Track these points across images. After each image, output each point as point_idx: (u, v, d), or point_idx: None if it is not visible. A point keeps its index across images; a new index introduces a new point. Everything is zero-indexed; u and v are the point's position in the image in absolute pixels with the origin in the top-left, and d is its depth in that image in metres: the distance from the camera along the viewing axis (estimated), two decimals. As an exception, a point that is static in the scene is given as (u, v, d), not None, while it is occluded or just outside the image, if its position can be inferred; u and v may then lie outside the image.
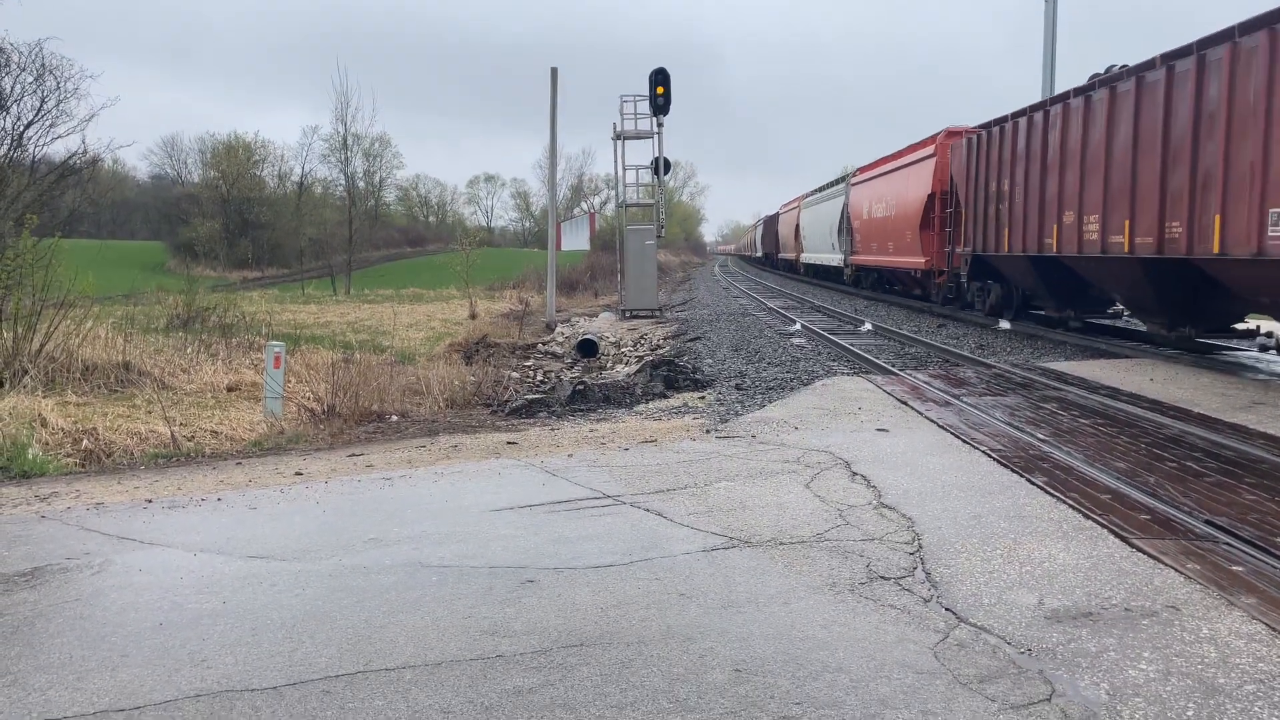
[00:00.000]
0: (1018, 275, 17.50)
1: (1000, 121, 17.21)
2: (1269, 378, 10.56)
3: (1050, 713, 3.11)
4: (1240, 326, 13.04)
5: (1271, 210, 9.80)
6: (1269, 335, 12.52)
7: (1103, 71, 13.63)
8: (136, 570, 4.89)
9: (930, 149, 21.83)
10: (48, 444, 9.08)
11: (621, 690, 3.35)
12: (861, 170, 30.15)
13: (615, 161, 26.40)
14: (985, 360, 12.86)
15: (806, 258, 40.97)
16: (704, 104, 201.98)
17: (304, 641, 3.88)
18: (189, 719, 3.25)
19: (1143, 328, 14.46)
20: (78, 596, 4.51)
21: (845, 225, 31.03)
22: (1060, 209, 14.53)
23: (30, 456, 8.23)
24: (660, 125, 25.00)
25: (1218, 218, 10.64)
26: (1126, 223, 12.53)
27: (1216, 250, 10.65)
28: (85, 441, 9.29)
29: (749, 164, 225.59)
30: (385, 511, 5.90)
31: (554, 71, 25.17)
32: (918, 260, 22.64)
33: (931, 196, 21.45)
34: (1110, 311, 16.45)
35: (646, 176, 27.07)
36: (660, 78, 24.45)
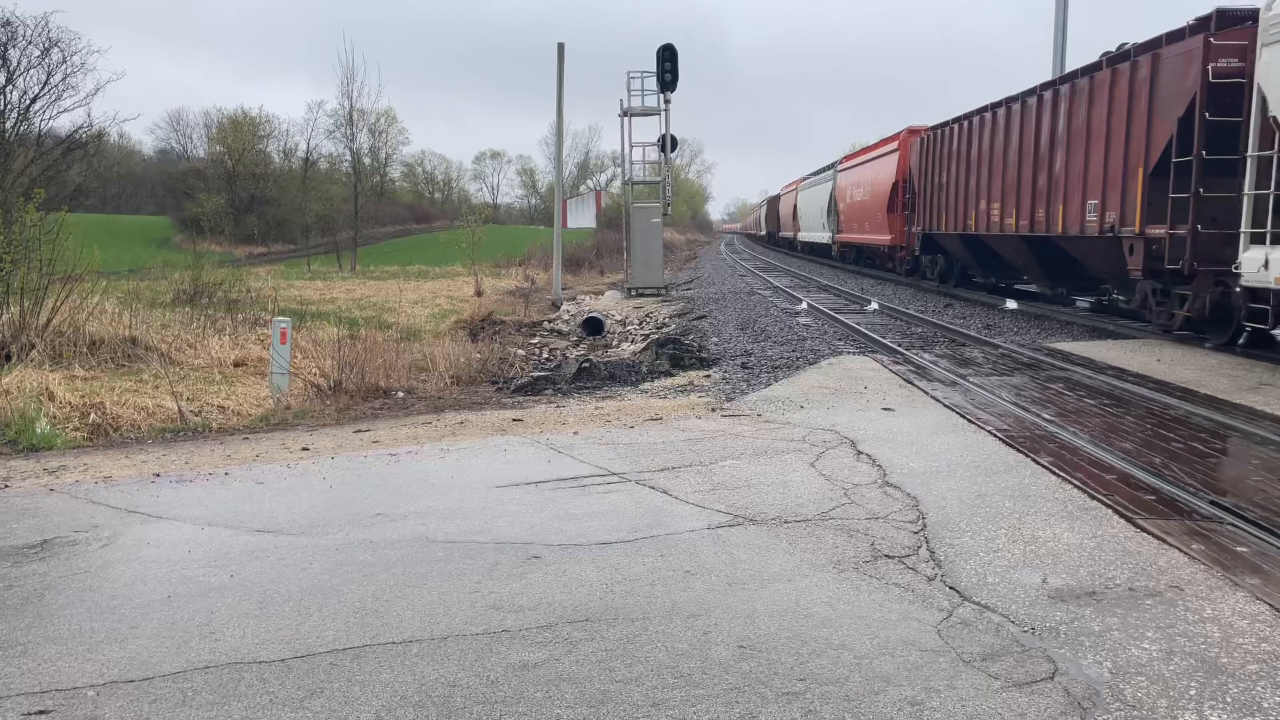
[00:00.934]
0: (955, 250, 21.86)
1: (944, 125, 21.22)
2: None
3: (1053, 691, 3.12)
4: (1105, 287, 16.52)
5: (1088, 202, 13.78)
6: (1119, 295, 15.64)
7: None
8: (145, 543, 4.93)
9: (895, 144, 25.74)
10: (55, 418, 9.11)
11: (626, 665, 3.38)
12: (846, 158, 34.00)
13: (622, 138, 26.28)
14: (992, 340, 12.84)
15: (802, 236, 45.00)
16: (711, 80, 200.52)
17: (311, 615, 3.91)
18: (198, 690, 3.28)
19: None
20: (86, 569, 4.54)
21: (833, 207, 34.84)
22: (978, 197, 18.70)
23: (38, 430, 8.26)
24: (668, 102, 24.87)
25: (1061, 206, 14.70)
26: (1014, 209, 16.70)
27: (1060, 230, 14.79)
28: (93, 416, 9.31)
29: (756, 141, 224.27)
30: (391, 487, 5.93)
31: (560, 47, 25.00)
32: (885, 238, 26.77)
33: (895, 184, 25.35)
34: (1025, 278, 20.08)
35: (653, 154, 26.95)
36: (668, 54, 24.29)
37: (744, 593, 4.02)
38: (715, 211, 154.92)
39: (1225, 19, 11.17)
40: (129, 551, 4.79)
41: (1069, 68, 19.10)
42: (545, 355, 15.22)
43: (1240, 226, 10.23)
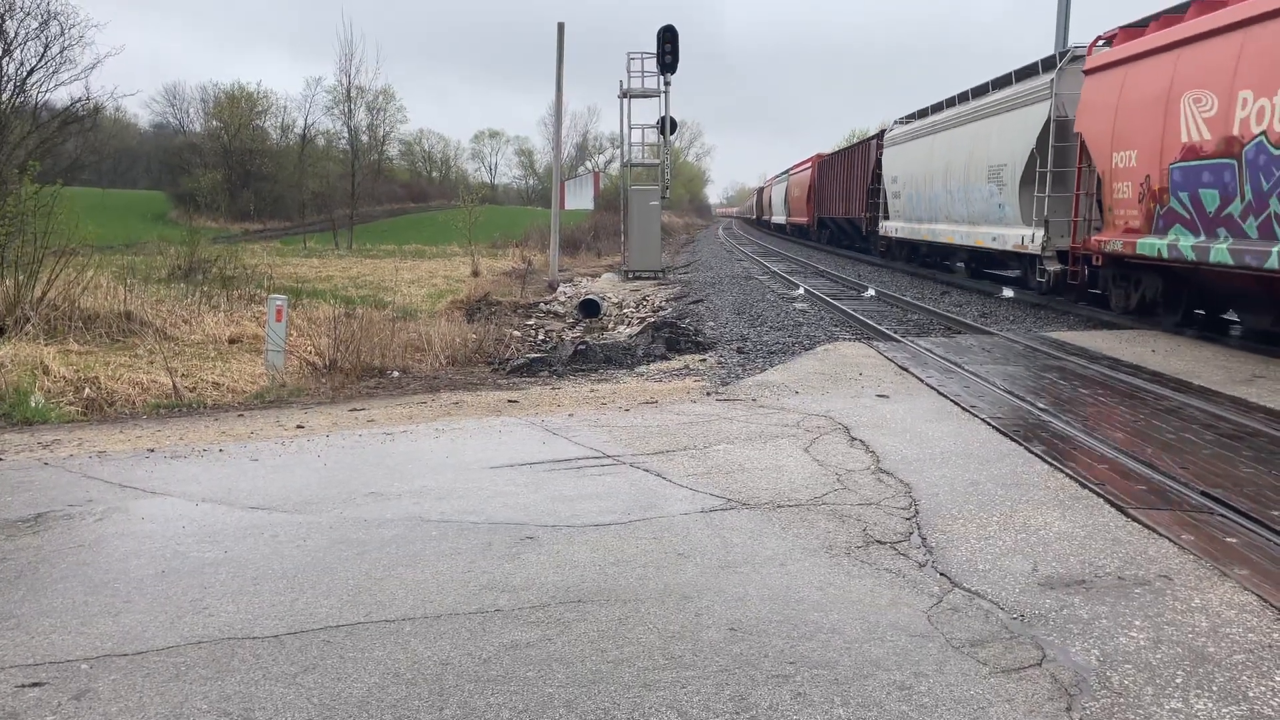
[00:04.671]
0: (831, 226, 39.07)
1: (828, 156, 41.00)
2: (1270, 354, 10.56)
3: (1040, 677, 3.15)
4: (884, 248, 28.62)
5: (855, 201, 32.36)
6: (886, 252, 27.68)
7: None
8: (139, 518, 4.93)
9: (810, 163, 43.65)
10: (50, 392, 9.10)
11: (618, 647, 3.40)
12: (795, 166, 50.71)
13: (621, 120, 26.12)
14: (987, 328, 12.86)
15: (773, 219, 63.45)
16: (712, 63, 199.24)
17: (305, 592, 3.92)
18: (191, 665, 3.30)
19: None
20: (80, 543, 4.55)
21: (786, 198, 53.14)
22: (833, 198, 36.83)
23: (32, 404, 8.26)
24: (667, 84, 24.70)
25: (853, 204, 32.83)
26: (842, 205, 34.77)
27: (853, 216, 32.67)
28: (87, 390, 9.30)
29: (755, 124, 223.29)
30: (386, 466, 5.93)
31: (560, 26, 24.84)
32: (804, 220, 45.36)
33: (810, 187, 43.05)
34: (855, 244, 34.56)
35: (652, 136, 26.81)
36: (668, 35, 24.12)
37: (736, 576, 4.04)
38: (714, 195, 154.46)
39: (882, 135, 26.69)
40: (123, 526, 4.80)
41: (1071, 42, 20.59)
42: (541, 337, 15.21)
43: (880, 213, 26.49)
